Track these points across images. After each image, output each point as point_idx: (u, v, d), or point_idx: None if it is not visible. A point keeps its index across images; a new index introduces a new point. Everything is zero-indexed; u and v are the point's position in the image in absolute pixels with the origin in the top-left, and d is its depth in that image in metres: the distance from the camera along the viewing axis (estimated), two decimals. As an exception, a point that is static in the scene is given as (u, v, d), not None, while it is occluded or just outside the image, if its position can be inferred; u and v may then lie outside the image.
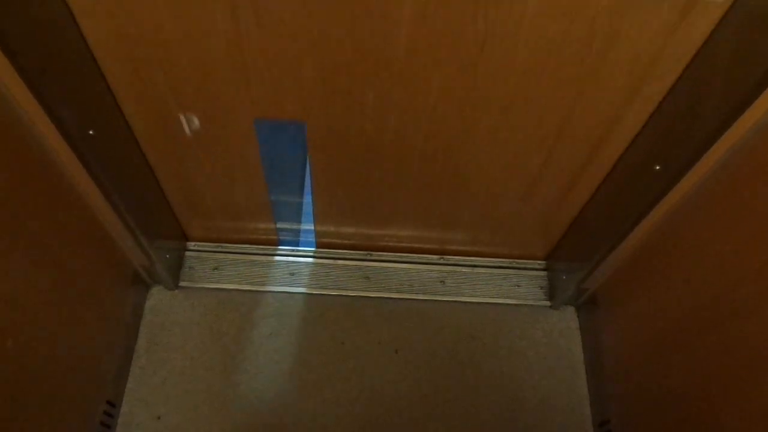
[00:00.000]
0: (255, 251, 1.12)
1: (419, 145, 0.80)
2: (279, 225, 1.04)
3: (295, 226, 1.06)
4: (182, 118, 0.75)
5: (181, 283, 1.09)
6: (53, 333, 0.77)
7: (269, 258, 1.12)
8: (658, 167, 0.71)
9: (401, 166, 0.86)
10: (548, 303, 1.11)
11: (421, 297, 1.10)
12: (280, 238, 1.09)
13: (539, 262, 1.14)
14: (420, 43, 0.62)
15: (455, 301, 1.10)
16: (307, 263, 1.12)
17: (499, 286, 1.12)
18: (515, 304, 1.11)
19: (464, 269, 1.13)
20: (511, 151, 0.81)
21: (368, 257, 1.12)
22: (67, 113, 0.65)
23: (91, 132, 0.69)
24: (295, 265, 1.11)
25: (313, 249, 1.12)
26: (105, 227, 0.86)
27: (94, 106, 0.70)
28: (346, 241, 1.10)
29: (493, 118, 0.74)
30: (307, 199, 0.95)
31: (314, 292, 1.09)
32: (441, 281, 1.12)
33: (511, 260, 1.13)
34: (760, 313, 0.62)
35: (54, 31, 0.60)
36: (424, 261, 1.13)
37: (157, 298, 1.08)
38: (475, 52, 0.63)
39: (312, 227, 1.05)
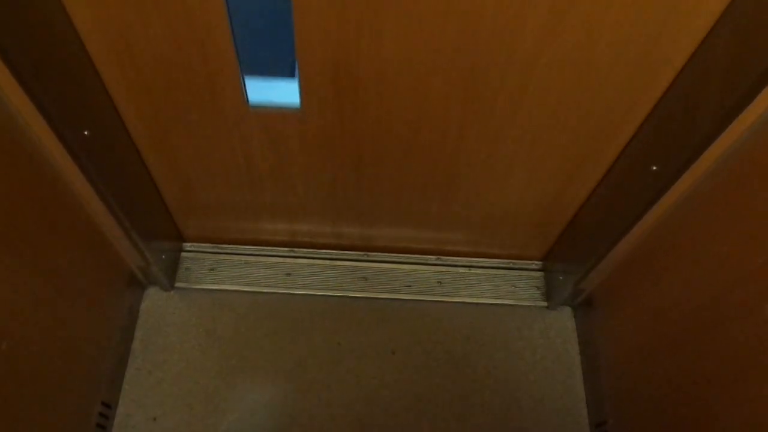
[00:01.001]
0: (251, 252, 1.11)
1: (418, 143, 0.80)
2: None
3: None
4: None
5: (177, 284, 1.08)
6: (48, 335, 0.77)
7: (266, 259, 1.11)
8: (655, 168, 0.71)
9: (400, 165, 0.85)
10: (545, 304, 1.11)
11: (418, 297, 1.10)
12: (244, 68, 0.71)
13: (536, 262, 1.13)
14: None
15: (452, 302, 1.10)
16: (304, 263, 1.11)
17: (496, 286, 1.12)
18: (512, 305, 1.11)
19: (461, 270, 1.13)
20: (509, 150, 0.80)
21: (365, 258, 1.12)
22: (62, 113, 0.64)
23: (86, 132, 0.68)
24: (291, 266, 1.11)
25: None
26: (100, 228, 0.86)
27: (89, 106, 0.70)
28: (343, 242, 1.10)
29: (492, 119, 0.74)
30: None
31: (311, 293, 1.09)
32: (438, 282, 1.11)
33: (508, 261, 1.13)
34: (757, 314, 0.62)
35: (48, 29, 0.59)
36: (421, 261, 1.13)
37: (152, 299, 1.08)
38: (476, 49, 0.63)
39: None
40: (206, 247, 1.11)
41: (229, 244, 1.11)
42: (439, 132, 0.77)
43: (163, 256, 1.00)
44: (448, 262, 1.13)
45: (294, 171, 0.87)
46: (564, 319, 1.11)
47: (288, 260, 1.12)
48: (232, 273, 1.10)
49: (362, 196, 0.94)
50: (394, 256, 1.12)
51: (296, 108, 0.72)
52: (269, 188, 0.93)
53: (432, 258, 1.13)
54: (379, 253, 1.12)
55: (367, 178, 0.89)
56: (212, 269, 1.10)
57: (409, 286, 1.11)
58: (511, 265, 1.13)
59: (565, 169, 0.84)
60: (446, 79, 0.67)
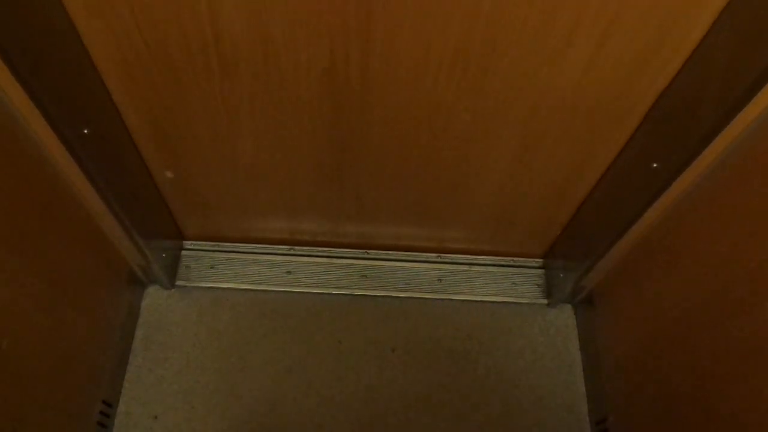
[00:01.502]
0: (252, 250, 1.11)
1: (419, 142, 0.80)
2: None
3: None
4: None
5: (178, 282, 1.08)
6: (48, 333, 0.77)
7: (266, 257, 1.11)
8: (655, 165, 0.71)
9: (400, 163, 0.85)
10: (545, 301, 1.11)
11: (418, 295, 1.10)
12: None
13: (536, 260, 1.13)
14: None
15: (452, 300, 1.10)
16: (303, 262, 1.11)
17: (497, 284, 1.12)
18: (512, 303, 1.11)
19: (462, 267, 1.13)
20: (509, 148, 0.80)
21: (365, 255, 1.12)
22: (62, 111, 0.64)
23: (85, 131, 0.68)
24: (291, 264, 1.11)
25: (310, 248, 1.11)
26: (100, 226, 0.86)
27: (89, 104, 0.69)
28: (343, 240, 1.10)
29: (492, 117, 0.74)
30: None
31: (311, 291, 1.09)
32: (438, 279, 1.11)
33: (508, 258, 1.13)
34: (757, 312, 0.62)
35: (47, 26, 0.59)
36: (421, 259, 1.13)
37: (153, 297, 1.08)
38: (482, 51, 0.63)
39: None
40: (206, 245, 1.11)
41: (229, 242, 1.11)
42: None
43: (164, 255, 1.00)
44: (449, 260, 1.13)
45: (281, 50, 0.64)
46: (564, 317, 1.11)
47: (288, 258, 1.11)
48: (232, 271, 1.10)
49: (363, 194, 0.93)
50: (394, 254, 1.12)
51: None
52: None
53: (432, 255, 1.13)
54: (379, 251, 1.12)
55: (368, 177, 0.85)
56: (212, 267, 1.10)
57: (409, 283, 1.11)
58: (511, 263, 1.13)
59: (566, 166, 0.83)
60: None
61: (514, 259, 1.13)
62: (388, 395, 1.02)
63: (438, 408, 1.01)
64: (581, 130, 0.75)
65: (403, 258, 1.12)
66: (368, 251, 1.12)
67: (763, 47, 0.54)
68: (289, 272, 1.10)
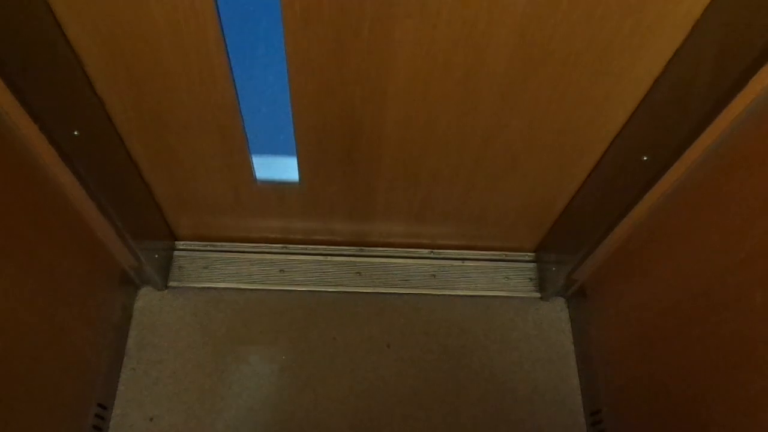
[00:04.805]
0: (245, 249, 1.11)
1: (411, 138, 0.80)
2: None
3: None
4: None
5: (171, 283, 1.08)
6: (41, 336, 0.77)
7: (259, 255, 1.11)
8: (645, 158, 0.72)
9: (393, 160, 0.85)
10: (538, 295, 1.11)
11: (412, 291, 1.10)
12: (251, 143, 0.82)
13: (529, 254, 1.14)
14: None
15: (446, 295, 1.11)
16: (297, 260, 1.11)
17: (490, 278, 1.12)
18: (505, 297, 1.11)
19: (455, 263, 1.13)
20: (500, 145, 0.81)
21: (359, 253, 1.12)
22: (51, 114, 0.64)
23: (75, 133, 0.68)
24: (285, 262, 1.11)
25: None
26: (92, 228, 0.85)
27: (78, 107, 0.69)
28: (337, 238, 1.10)
29: (485, 113, 0.74)
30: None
31: (305, 289, 1.09)
32: (432, 275, 1.12)
33: (500, 253, 1.14)
34: (747, 303, 0.62)
35: (36, 30, 0.59)
36: (415, 255, 1.13)
37: (146, 298, 1.07)
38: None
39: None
40: (199, 245, 1.11)
41: (222, 241, 1.11)
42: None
43: (156, 256, 1.00)
44: (442, 256, 1.13)
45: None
46: (557, 310, 1.12)
47: (281, 257, 1.11)
48: (225, 270, 1.10)
49: (355, 191, 0.93)
50: (387, 251, 1.13)
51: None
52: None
53: (425, 251, 1.13)
54: (373, 248, 1.12)
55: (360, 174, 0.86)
56: (205, 267, 1.10)
57: (404, 279, 1.11)
58: (503, 257, 1.14)
59: (557, 160, 0.84)
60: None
61: (507, 253, 1.14)
62: (384, 390, 1.02)
63: (433, 402, 1.02)
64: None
65: (397, 254, 1.13)
66: (362, 248, 1.12)
67: (750, 40, 0.54)
68: (282, 270, 1.10)
